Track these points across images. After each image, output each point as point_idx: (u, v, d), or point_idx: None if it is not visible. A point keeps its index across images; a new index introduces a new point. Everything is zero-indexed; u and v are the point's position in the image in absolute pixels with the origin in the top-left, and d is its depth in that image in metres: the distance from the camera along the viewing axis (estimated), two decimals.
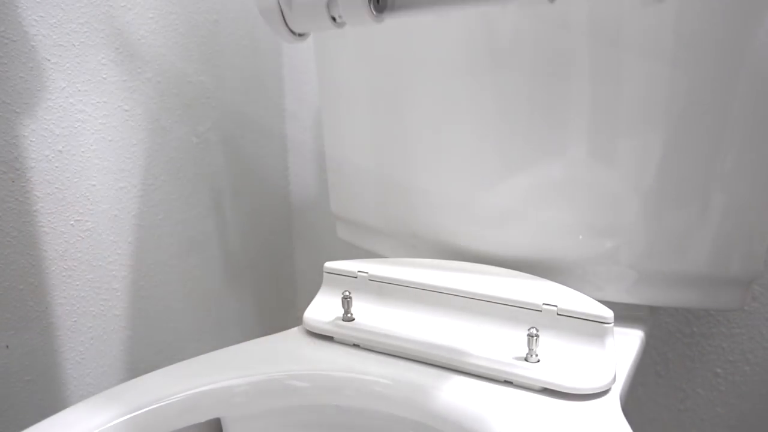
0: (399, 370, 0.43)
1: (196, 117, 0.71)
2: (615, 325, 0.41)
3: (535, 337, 0.40)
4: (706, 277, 0.47)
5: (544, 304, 0.42)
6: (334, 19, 0.39)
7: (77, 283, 0.61)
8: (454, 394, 0.40)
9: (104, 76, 0.61)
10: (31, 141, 0.56)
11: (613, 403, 0.39)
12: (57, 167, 0.58)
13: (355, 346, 0.47)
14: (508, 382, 0.41)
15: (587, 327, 0.41)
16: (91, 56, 0.59)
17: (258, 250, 0.83)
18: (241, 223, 0.79)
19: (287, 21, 0.40)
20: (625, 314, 0.50)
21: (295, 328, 0.51)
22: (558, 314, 0.42)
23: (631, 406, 0.69)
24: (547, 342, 0.42)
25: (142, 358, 0.69)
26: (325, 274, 0.51)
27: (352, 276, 0.50)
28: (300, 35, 0.41)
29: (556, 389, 0.39)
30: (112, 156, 0.63)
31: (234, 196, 0.77)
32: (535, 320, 0.43)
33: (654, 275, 0.48)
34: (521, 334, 0.43)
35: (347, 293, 0.48)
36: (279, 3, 0.40)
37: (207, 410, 0.42)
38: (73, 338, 0.62)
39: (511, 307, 0.44)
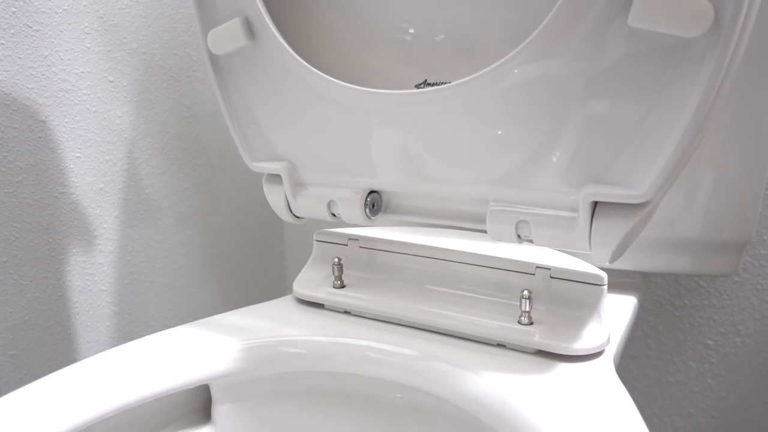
0: (390, 335, 0.43)
1: (184, 90, 0.69)
2: (608, 292, 0.41)
3: (528, 300, 0.40)
4: (699, 241, 0.47)
5: (537, 267, 0.42)
6: (333, 214, 0.45)
7: (62, 256, 0.60)
8: (446, 358, 0.40)
9: (88, 45, 0.59)
10: (13, 110, 0.54)
11: (607, 364, 0.39)
12: (40, 137, 0.57)
13: (346, 312, 0.47)
14: (501, 345, 0.41)
15: (581, 289, 0.41)
16: (74, 24, 0.58)
17: (247, 225, 0.82)
18: (230, 198, 0.78)
19: (292, 209, 0.47)
20: (619, 281, 0.50)
21: (285, 297, 0.50)
22: (551, 277, 0.41)
23: (621, 379, 0.68)
24: (541, 305, 0.41)
25: (128, 334, 0.68)
26: (315, 242, 0.51)
27: (343, 243, 0.49)
28: (302, 218, 0.48)
29: (550, 350, 0.39)
30: (96, 128, 0.61)
31: (222, 171, 0.76)
32: (529, 283, 0.42)
33: (646, 241, 0.48)
34: (514, 297, 0.42)
35: (338, 260, 0.47)
36: (286, 196, 0.46)
37: (195, 377, 0.41)
38: (59, 313, 0.61)
39: (504, 271, 0.43)
